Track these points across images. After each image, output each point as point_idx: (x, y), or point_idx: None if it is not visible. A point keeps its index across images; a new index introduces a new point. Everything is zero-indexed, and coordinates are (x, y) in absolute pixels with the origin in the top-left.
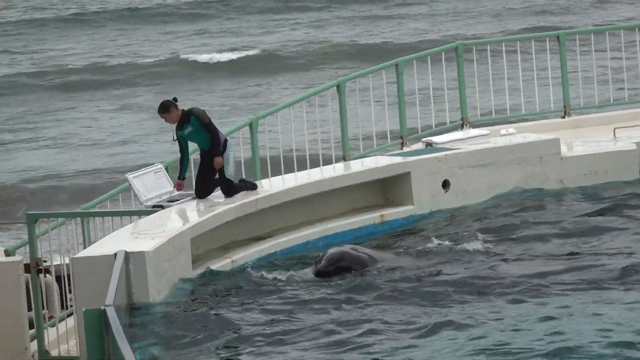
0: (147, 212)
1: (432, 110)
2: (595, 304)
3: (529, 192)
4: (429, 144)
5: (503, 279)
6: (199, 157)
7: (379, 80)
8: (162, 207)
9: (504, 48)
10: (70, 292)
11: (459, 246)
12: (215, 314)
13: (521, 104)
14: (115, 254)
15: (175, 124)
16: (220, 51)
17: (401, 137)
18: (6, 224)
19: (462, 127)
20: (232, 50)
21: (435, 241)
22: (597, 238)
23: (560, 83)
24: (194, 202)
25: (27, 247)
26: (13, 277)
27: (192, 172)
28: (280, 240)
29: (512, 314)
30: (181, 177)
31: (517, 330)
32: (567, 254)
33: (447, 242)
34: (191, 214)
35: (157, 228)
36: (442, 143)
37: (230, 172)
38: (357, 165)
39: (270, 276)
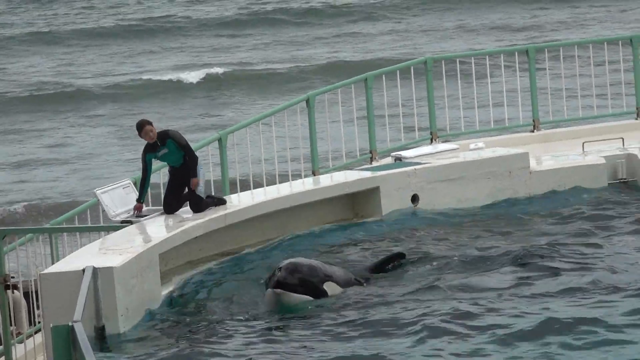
0: (115, 228)
1: (401, 124)
2: (574, 313)
3: (497, 206)
4: (398, 159)
5: (466, 292)
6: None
7: (348, 94)
8: (130, 222)
9: (472, 62)
10: (38, 308)
11: (418, 260)
12: (180, 333)
13: (490, 118)
14: (84, 270)
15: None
16: (186, 69)
17: (370, 152)
18: None
19: (431, 141)
20: (201, 67)
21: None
22: (566, 248)
23: (529, 97)
24: (163, 217)
25: None
26: None
27: (161, 189)
28: (249, 254)
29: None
30: (141, 200)
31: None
32: (535, 266)
33: (412, 259)
34: (160, 230)
35: (126, 244)
36: (411, 157)
37: (200, 189)
38: (326, 180)
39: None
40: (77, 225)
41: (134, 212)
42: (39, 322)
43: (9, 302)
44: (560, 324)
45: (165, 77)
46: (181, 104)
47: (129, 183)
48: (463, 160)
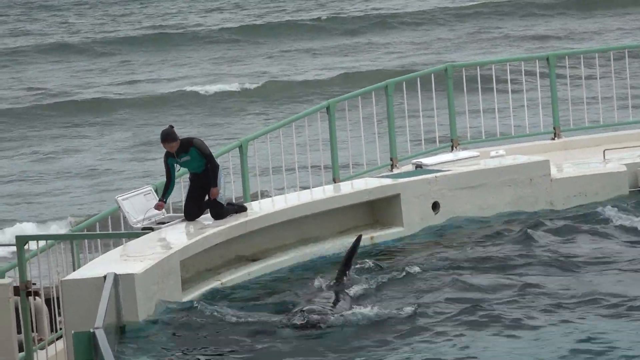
0: (136, 235)
1: (421, 132)
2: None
3: (518, 214)
4: (418, 166)
5: (494, 303)
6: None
7: (368, 101)
8: (151, 229)
9: (493, 69)
10: (59, 314)
11: (439, 272)
12: (201, 339)
13: (511, 126)
14: (105, 277)
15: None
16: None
17: (391, 159)
18: None
19: (452, 148)
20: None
21: (416, 268)
22: (589, 261)
23: (550, 105)
24: (183, 224)
25: (17, 269)
26: (2, 300)
27: (182, 194)
28: (270, 262)
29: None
30: (164, 200)
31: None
32: (558, 275)
33: (428, 269)
34: (180, 237)
35: (147, 250)
36: (432, 165)
37: (220, 196)
38: (346, 187)
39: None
40: (98, 232)
41: (160, 211)
42: (61, 329)
43: (30, 309)
44: (577, 333)
45: (186, 88)
46: (198, 113)
47: (150, 190)
48: (484, 168)
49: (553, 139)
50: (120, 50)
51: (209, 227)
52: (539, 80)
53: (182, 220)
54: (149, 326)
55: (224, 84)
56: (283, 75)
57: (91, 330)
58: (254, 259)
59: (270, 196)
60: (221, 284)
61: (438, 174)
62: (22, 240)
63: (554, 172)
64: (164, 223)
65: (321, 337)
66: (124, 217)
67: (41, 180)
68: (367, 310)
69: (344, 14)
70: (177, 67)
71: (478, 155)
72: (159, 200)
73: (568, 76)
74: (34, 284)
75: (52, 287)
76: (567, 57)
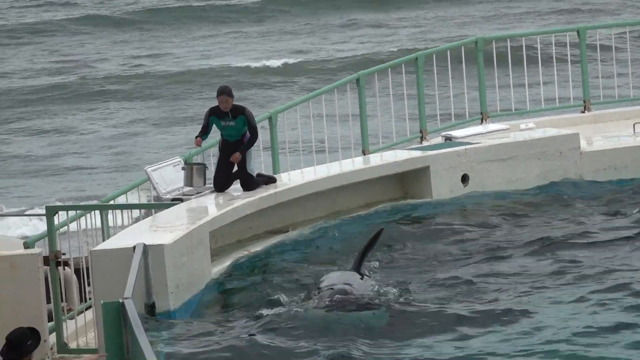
0: (165, 205)
1: (451, 104)
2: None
3: (548, 186)
4: (448, 138)
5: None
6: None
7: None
8: (181, 200)
9: (524, 42)
10: (89, 284)
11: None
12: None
13: (541, 99)
14: (134, 247)
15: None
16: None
17: (420, 131)
18: (26, 217)
19: (481, 121)
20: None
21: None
22: (615, 232)
23: (580, 78)
24: (213, 195)
25: (46, 239)
26: (32, 270)
27: (212, 167)
28: (299, 233)
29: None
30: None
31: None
32: (575, 254)
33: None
34: (210, 207)
35: (176, 221)
36: (462, 137)
37: (250, 167)
38: (376, 159)
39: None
40: (127, 202)
41: (194, 146)
42: (90, 299)
43: (60, 279)
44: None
45: (217, 63)
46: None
47: (180, 161)
48: (513, 141)
49: (583, 112)
50: (147, 22)
51: (238, 198)
52: (569, 53)
53: (212, 191)
54: (178, 297)
55: (251, 61)
56: (317, 51)
57: (120, 300)
58: (283, 230)
59: (300, 168)
60: (250, 255)
61: (467, 147)
62: (52, 210)
63: (583, 145)
64: (193, 194)
65: (342, 320)
66: (154, 188)
67: (72, 155)
68: (392, 294)
69: None
70: (213, 41)
71: (508, 128)
72: (196, 138)
73: (599, 49)
74: (64, 254)
75: (82, 257)
76: (597, 30)
